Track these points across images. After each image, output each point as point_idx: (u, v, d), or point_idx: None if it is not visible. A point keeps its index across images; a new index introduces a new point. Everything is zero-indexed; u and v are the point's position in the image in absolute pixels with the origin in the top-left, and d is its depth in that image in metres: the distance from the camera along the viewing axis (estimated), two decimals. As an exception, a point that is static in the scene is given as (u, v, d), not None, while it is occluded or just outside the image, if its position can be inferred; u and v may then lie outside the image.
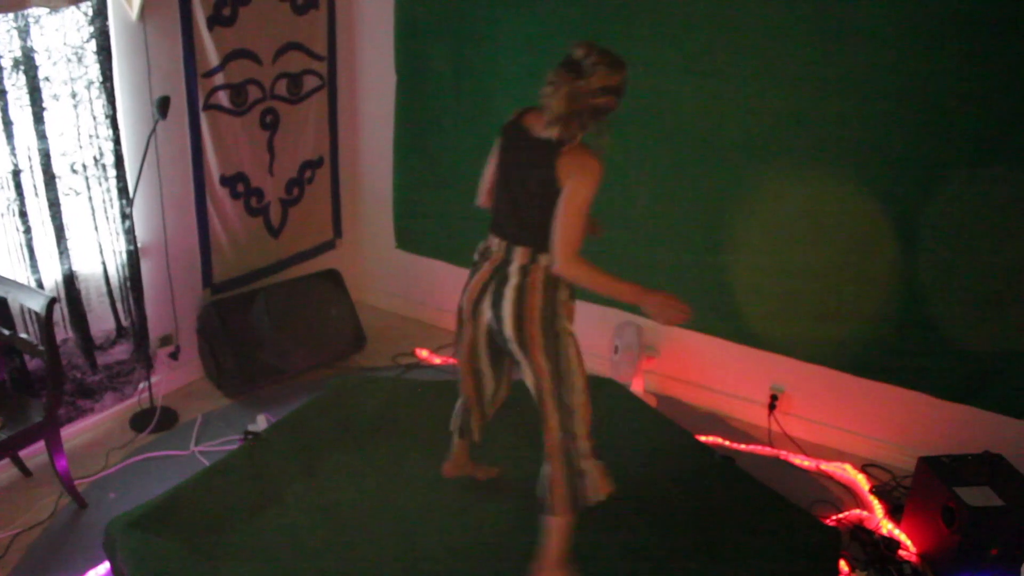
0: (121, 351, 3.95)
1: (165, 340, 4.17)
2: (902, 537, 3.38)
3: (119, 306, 3.89)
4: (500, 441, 3.59)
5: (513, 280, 2.77)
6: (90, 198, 3.66)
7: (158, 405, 4.03)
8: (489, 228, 2.89)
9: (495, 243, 2.85)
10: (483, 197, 3.00)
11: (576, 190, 2.60)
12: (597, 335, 4.46)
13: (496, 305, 2.81)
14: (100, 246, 3.76)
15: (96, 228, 3.72)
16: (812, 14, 3.50)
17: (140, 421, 3.96)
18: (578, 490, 2.85)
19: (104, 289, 3.82)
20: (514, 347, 2.82)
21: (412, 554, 3.03)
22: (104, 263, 3.79)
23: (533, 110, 2.73)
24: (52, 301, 3.09)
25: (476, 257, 2.93)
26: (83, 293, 3.73)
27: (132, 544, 2.90)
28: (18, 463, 3.53)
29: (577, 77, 2.57)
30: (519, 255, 2.77)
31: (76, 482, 3.42)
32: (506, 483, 3.42)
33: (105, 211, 3.74)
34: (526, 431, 3.36)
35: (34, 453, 3.52)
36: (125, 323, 3.93)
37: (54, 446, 3.26)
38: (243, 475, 3.34)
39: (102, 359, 3.88)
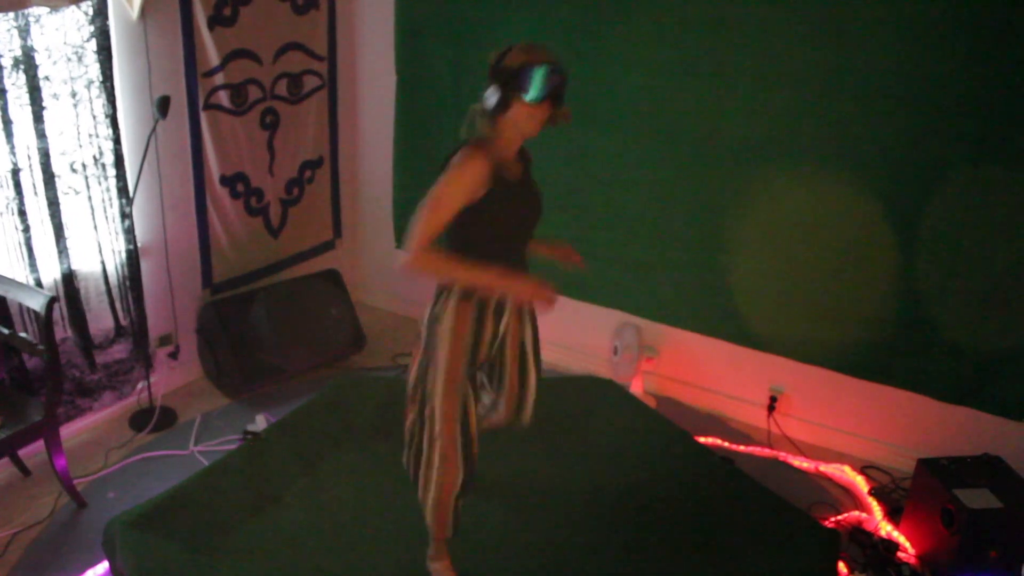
0: (120, 350, 3.95)
1: (165, 340, 4.17)
2: (901, 539, 3.38)
3: (118, 305, 3.89)
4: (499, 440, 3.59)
5: (528, 321, 2.92)
6: (89, 197, 3.66)
7: (157, 405, 4.03)
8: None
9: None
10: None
11: (436, 183, 2.51)
12: (596, 335, 4.47)
13: (501, 347, 2.89)
14: (99, 245, 3.75)
15: (95, 227, 3.72)
16: (812, 15, 3.50)
17: (139, 420, 3.96)
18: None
19: (103, 288, 3.82)
20: (518, 383, 2.94)
21: (411, 554, 3.02)
22: (103, 262, 3.79)
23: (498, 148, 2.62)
24: (52, 300, 3.09)
25: (469, 306, 2.77)
26: (82, 292, 3.73)
27: (131, 543, 2.89)
28: (17, 462, 3.52)
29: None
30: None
31: (75, 481, 3.42)
32: (505, 483, 3.42)
33: (104, 210, 3.74)
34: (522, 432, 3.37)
35: (33, 452, 3.52)
36: (124, 322, 3.93)
37: (53, 445, 3.26)
38: (242, 475, 3.34)
39: (101, 358, 3.88)
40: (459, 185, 2.47)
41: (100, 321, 3.84)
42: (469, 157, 2.48)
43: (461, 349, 2.67)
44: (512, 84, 2.47)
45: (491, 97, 2.50)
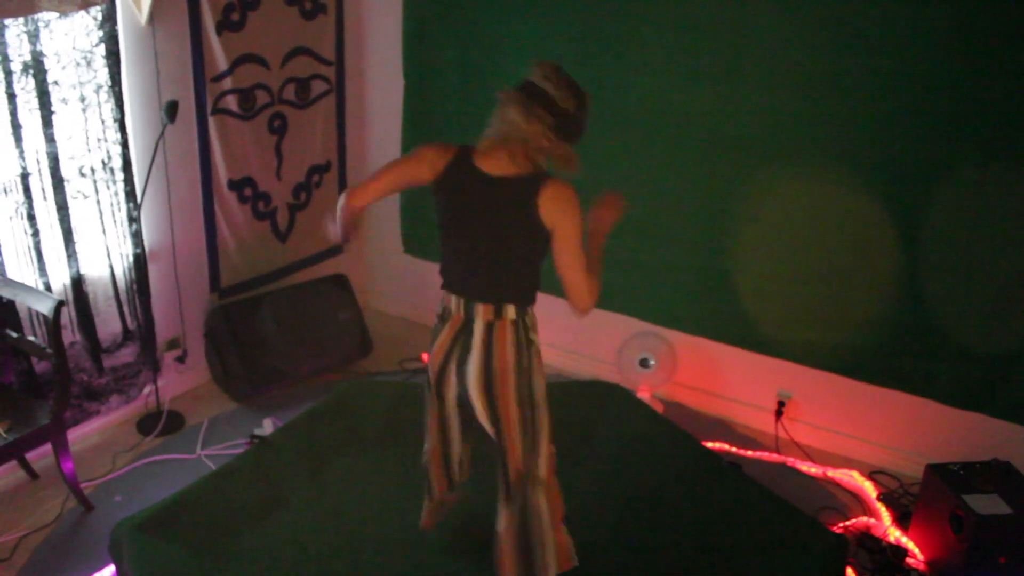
0: (128, 354, 3.96)
1: (172, 344, 4.18)
2: (910, 545, 3.36)
3: (126, 309, 3.90)
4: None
5: (478, 342, 2.51)
6: (98, 202, 3.67)
7: (165, 409, 4.04)
8: (442, 287, 2.63)
9: (452, 302, 2.57)
10: (360, 197, 2.65)
11: (570, 231, 2.40)
12: (602, 340, 4.46)
13: (462, 373, 2.57)
14: (108, 249, 3.77)
15: (104, 231, 3.73)
16: (818, 19, 3.50)
17: (147, 424, 3.96)
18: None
19: (111, 292, 3.83)
20: (484, 421, 2.59)
21: (418, 558, 3.02)
22: (112, 266, 3.80)
23: (482, 147, 2.47)
24: (60, 304, 3.10)
25: (436, 321, 2.66)
26: (90, 296, 3.74)
27: (138, 547, 2.90)
28: (25, 465, 3.53)
29: (544, 104, 2.37)
30: (482, 312, 2.50)
31: (82, 485, 3.42)
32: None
33: (113, 214, 3.75)
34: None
35: (41, 456, 3.53)
36: (132, 326, 3.94)
37: (61, 449, 3.26)
38: (249, 479, 3.34)
39: (108, 362, 3.89)
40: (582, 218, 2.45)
41: (108, 325, 3.85)
42: (572, 189, 2.43)
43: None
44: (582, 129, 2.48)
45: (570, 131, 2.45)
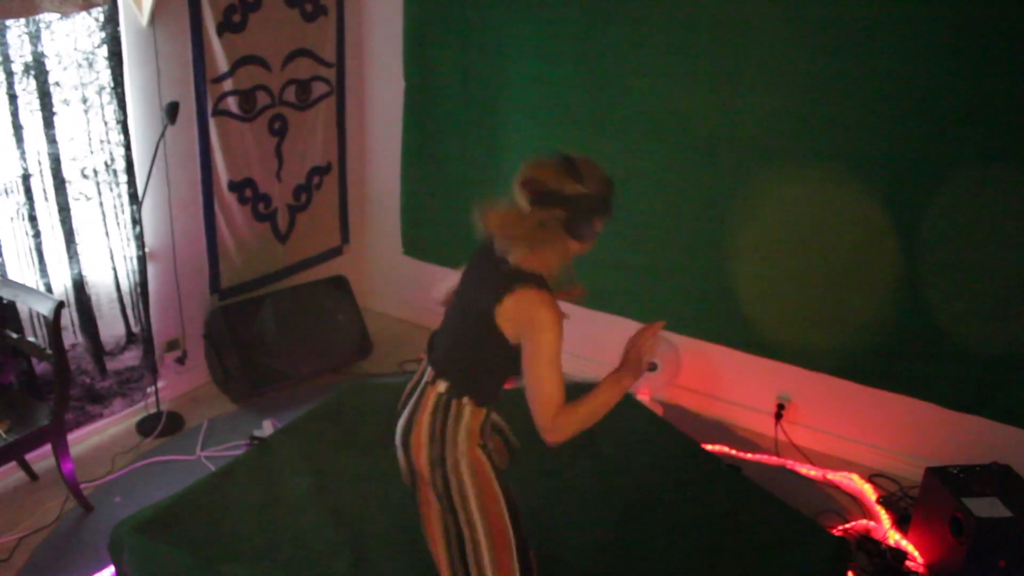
0: (131, 357, 3.96)
1: (172, 345, 4.18)
2: (909, 548, 3.36)
3: (129, 312, 3.90)
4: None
5: (413, 398, 2.41)
6: (101, 203, 3.68)
7: (164, 410, 4.04)
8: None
9: (423, 364, 2.48)
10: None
11: (537, 350, 2.16)
12: (602, 343, 4.46)
13: (396, 421, 2.48)
14: (111, 251, 3.77)
15: (107, 234, 3.73)
16: (819, 20, 3.50)
17: (147, 425, 3.96)
18: None
19: (115, 295, 3.83)
20: (404, 474, 2.49)
21: (418, 559, 3.02)
22: (115, 268, 3.80)
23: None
24: (60, 305, 3.10)
25: None
26: (93, 299, 3.74)
27: (137, 548, 2.89)
28: (24, 467, 3.53)
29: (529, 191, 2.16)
30: (428, 373, 2.40)
31: (82, 486, 3.42)
32: (511, 489, 3.41)
33: (116, 216, 3.75)
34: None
35: (40, 457, 3.53)
36: (135, 329, 3.94)
37: (60, 450, 3.26)
38: (249, 480, 3.33)
39: (112, 365, 3.89)
40: (559, 333, 2.17)
41: (111, 328, 3.85)
42: (550, 301, 2.18)
43: (498, 500, 2.34)
44: (601, 210, 2.25)
45: (580, 224, 2.21)
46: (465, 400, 2.32)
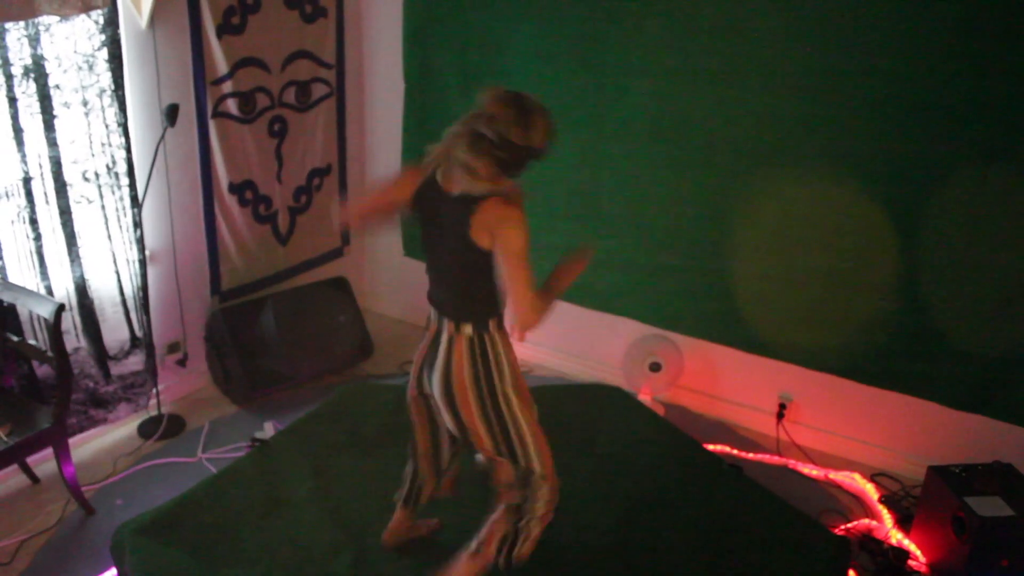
0: (136, 362, 3.95)
1: (173, 347, 4.18)
2: (912, 547, 3.36)
3: (132, 316, 3.90)
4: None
5: (441, 355, 2.60)
6: (103, 207, 3.67)
7: (165, 412, 4.03)
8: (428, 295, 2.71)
9: (431, 313, 2.67)
10: (347, 214, 2.76)
11: (508, 248, 2.39)
12: (603, 343, 4.46)
13: (430, 382, 2.66)
14: (113, 255, 3.76)
15: (109, 237, 3.73)
16: (817, 19, 3.50)
17: (148, 428, 3.96)
18: (511, 549, 2.73)
19: (118, 299, 3.83)
20: (452, 430, 2.68)
21: (418, 560, 3.02)
22: (118, 272, 3.80)
23: (443, 165, 2.50)
24: (60, 307, 3.10)
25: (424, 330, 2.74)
26: (96, 303, 3.74)
27: (139, 550, 2.90)
28: (26, 470, 3.53)
29: (488, 128, 2.36)
30: (446, 326, 2.59)
31: (83, 488, 3.42)
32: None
33: (118, 220, 3.75)
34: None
35: (42, 460, 3.53)
36: (140, 334, 3.93)
37: (62, 453, 3.26)
38: (250, 482, 3.34)
39: (116, 369, 3.89)
40: (526, 236, 2.40)
41: (115, 332, 3.85)
42: (515, 208, 2.41)
43: (522, 380, 2.67)
44: (537, 159, 2.46)
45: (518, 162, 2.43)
46: (491, 327, 2.58)
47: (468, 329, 2.56)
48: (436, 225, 2.55)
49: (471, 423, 2.61)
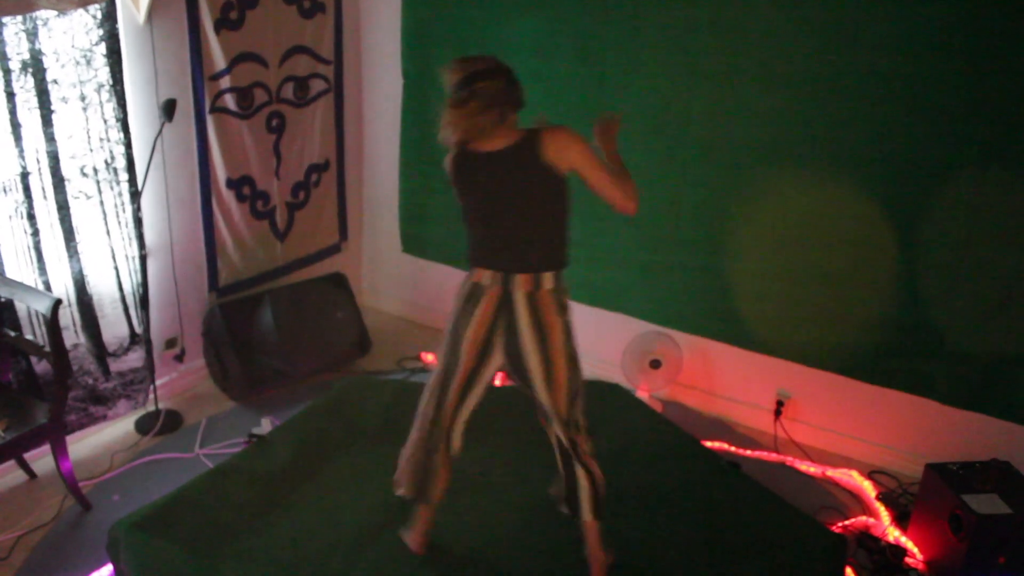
0: (135, 358, 3.95)
1: (170, 343, 4.17)
2: (909, 544, 3.36)
3: (132, 312, 3.89)
4: (505, 443, 3.60)
5: (523, 313, 2.67)
6: (101, 202, 3.67)
7: (163, 408, 4.03)
8: (473, 265, 2.75)
9: (485, 277, 2.70)
10: None
11: (584, 157, 2.59)
12: (601, 340, 4.46)
13: (512, 344, 2.71)
14: (112, 251, 3.76)
15: (108, 233, 3.72)
16: (817, 18, 3.50)
17: (145, 423, 3.96)
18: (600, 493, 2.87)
19: (117, 295, 3.82)
20: (538, 382, 2.73)
21: (416, 557, 3.02)
22: (116, 268, 3.79)
23: (469, 141, 2.65)
24: (57, 302, 3.09)
25: (462, 301, 2.76)
26: (95, 299, 3.73)
27: (136, 546, 2.89)
28: (23, 465, 3.53)
29: (476, 92, 2.59)
30: (520, 284, 2.65)
31: (80, 484, 3.42)
32: (512, 485, 3.41)
33: (117, 215, 3.74)
34: (511, 432, 3.37)
35: (39, 455, 3.52)
36: (139, 330, 3.93)
37: (59, 448, 3.26)
38: (247, 478, 3.34)
39: (116, 366, 3.88)
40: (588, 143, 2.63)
41: (114, 328, 3.84)
42: (567, 129, 2.62)
43: None
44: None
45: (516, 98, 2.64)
46: (562, 275, 2.71)
47: (548, 282, 2.66)
48: (490, 188, 2.64)
49: (559, 378, 2.72)
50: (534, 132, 2.59)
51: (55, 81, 3.38)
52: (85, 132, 3.54)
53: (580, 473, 2.82)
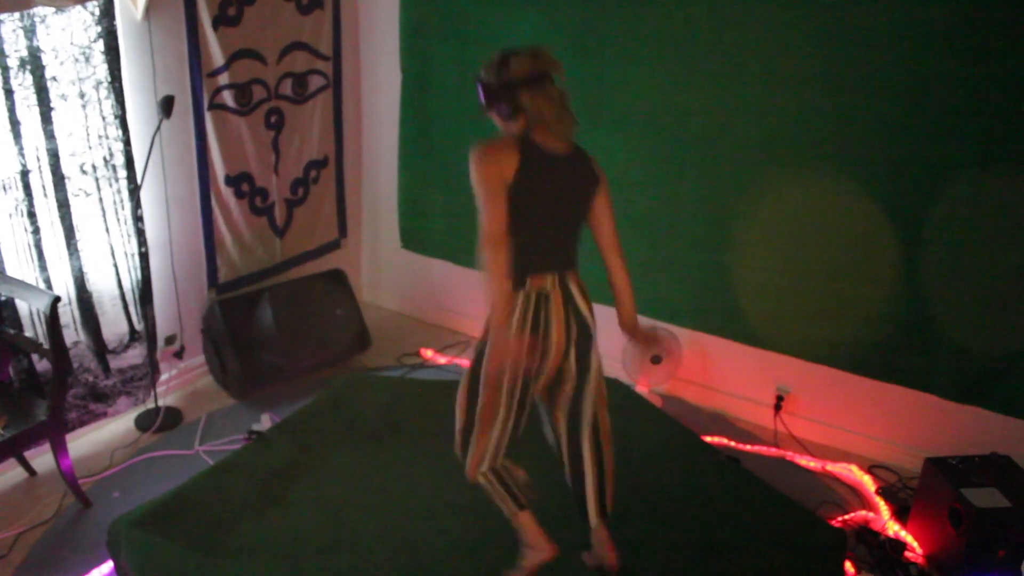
0: (135, 355, 3.95)
1: (170, 340, 4.17)
2: (908, 539, 3.36)
3: (132, 310, 3.89)
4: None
5: (581, 303, 2.74)
6: (100, 199, 3.66)
7: (162, 405, 4.03)
8: (530, 273, 2.59)
9: (548, 281, 2.62)
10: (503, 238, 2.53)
11: (609, 197, 2.70)
12: (600, 335, 4.45)
13: (582, 337, 2.75)
14: (112, 248, 3.75)
15: (107, 230, 3.72)
16: (817, 15, 3.49)
17: (145, 420, 3.96)
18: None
19: (117, 292, 3.82)
20: (595, 369, 2.82)
21: (416, 553, 3.02)
22: (116, 266, 3.79)
23: (538, 132, 2.54)
24: (56, 300, 3.09)
25: (523, 317, 2.61)
26: (95, 296, 3.73)
27: (136, 543, 2.90)
28: (23, 462, 3.53)
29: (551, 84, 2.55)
30: (572, 279, 2.71)
31: (80, 481, 3.42)
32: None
33: (116, 213, 3.74)
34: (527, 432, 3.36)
35: (39, 452, 3.53)
36: (139, 327, 3.92)
37: (58, 445, 3.26)
38: (247, 475, 3.34)
39: (116, 363, 3.88)
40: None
41: (114, 325, 3.84)
42: None
43: None
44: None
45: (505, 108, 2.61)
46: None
47: (577, 274, 2.73)
48: (548, 189, 2.57)
49: (598, 363, 2.81)
50: (579, 147, 2.65)
51: (54, 78, 3.37)
52: (84, 129, 3.54)
53: (589, 462, 2.88)
